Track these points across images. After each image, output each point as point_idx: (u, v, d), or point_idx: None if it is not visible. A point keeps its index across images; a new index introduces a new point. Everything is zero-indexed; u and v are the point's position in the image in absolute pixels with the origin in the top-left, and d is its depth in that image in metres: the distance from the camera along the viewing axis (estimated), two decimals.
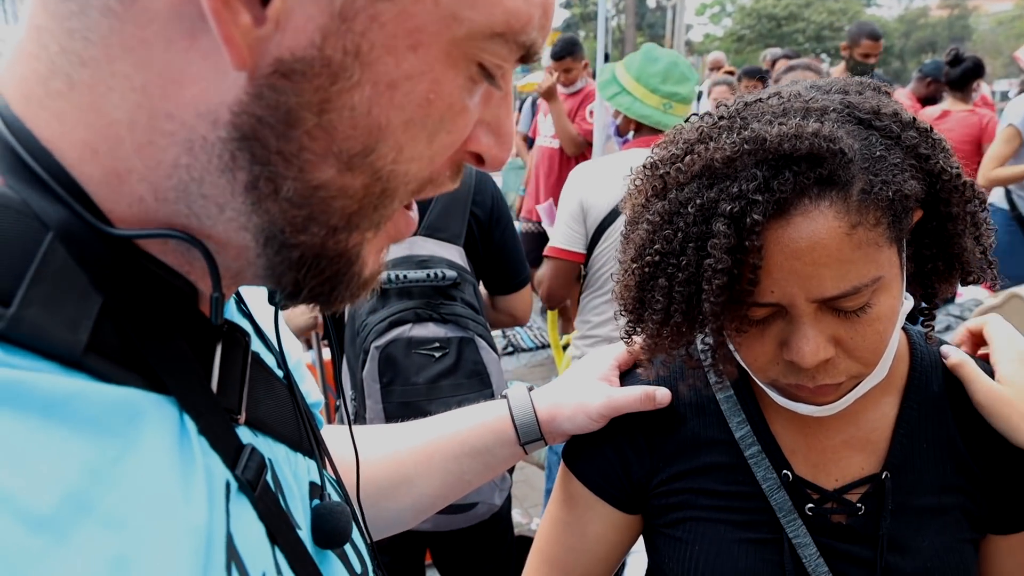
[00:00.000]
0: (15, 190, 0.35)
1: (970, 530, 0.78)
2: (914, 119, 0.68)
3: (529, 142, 5.10)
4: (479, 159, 0.44)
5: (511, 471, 1.75)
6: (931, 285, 0.75)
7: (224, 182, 0.36)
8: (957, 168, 0.69)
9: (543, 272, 2.11)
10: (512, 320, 1.84)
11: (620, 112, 2.13)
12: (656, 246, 0.68)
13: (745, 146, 0.63)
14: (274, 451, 0.47)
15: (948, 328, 2.19)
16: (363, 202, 0.38)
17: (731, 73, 5.56)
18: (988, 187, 3.90)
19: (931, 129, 0.69)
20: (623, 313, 0.76)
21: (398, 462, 0.81)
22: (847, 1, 31.26)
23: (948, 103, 4.30)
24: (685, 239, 0.66)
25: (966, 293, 2.52)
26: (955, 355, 0.79)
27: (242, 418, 0.43)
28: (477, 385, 1.50)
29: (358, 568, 0.54)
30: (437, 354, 1.48)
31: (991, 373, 0.76)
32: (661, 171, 0.69)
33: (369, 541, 0.59)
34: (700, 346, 0.80)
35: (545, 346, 4.73)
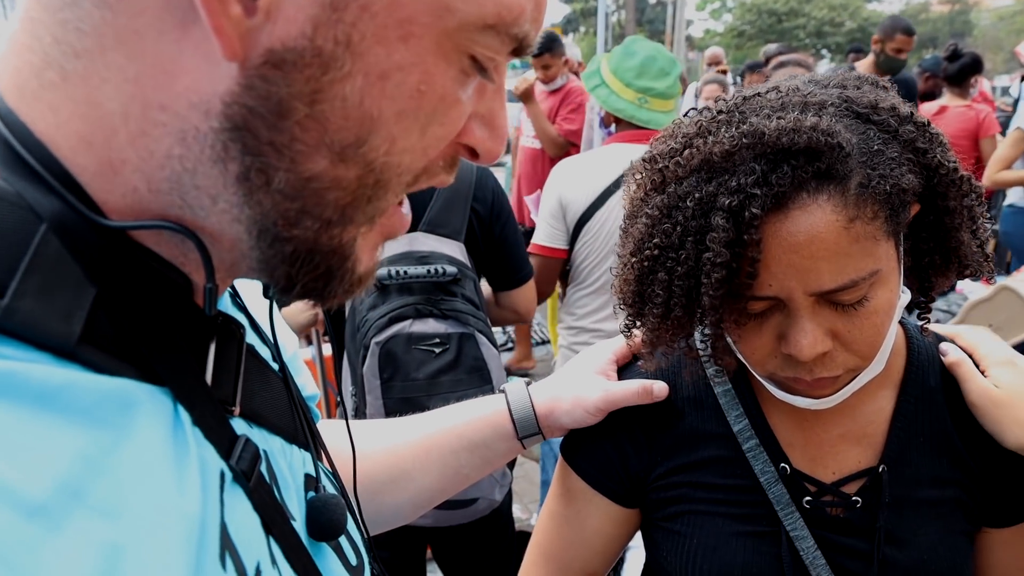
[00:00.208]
0: (9, 182, 0.35)
1: (965, 523, 0.78)
2: (912, 113, 0.69)
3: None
4: (473, 152, 0.44)
5: (511, 467, 1.75)
6: (928, 279, 0.75)
7: (216, 173, 0.36)
8: (954, 162, 0.69)
9: None
10: (516, 317, 1.84)
11: None
12: (655, 240, 0.68)
13: (743, 140, 0.64)
14: (269, 443, 0.47)
15: (937, 322, 2.20)
16: (357, 194, 0.38)
17: (724, 72, 5.54)
18: (992, 188, 3.91)
19: (928, 123, 0.69)
20: (622, 307, 0.76)
21: (396, 456, 0.81)
22: None
23: (946, 99, 4.30)
24: (684, 233, 0.66)
25: (964, 288, 2.52)
26: (953, 353, 0.79)
27: (237, 410, 0.43)
28: (477, 381, 1.50)
29: (353, 560, 0.54)
30: (437, 350, 1.48)
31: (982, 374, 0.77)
32: (660, 165, 0.69)
33: (365, 534, 0.59)
34: (699, 338, 0.80)
35: (545, 342, 4.74)
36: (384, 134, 0.37)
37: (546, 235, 2.05)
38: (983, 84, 5.75)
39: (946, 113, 4.13)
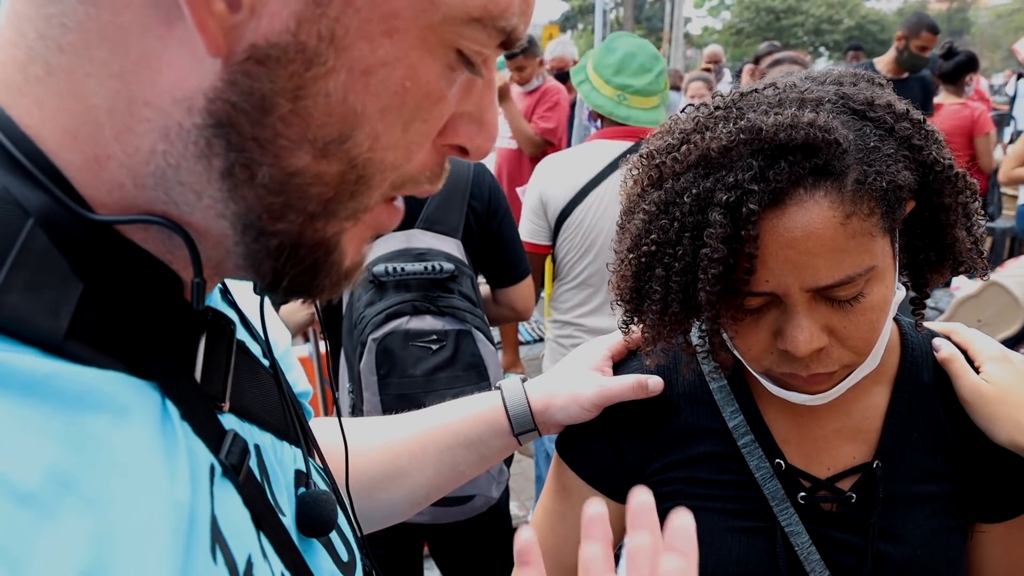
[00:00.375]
0: None
1: (958, 518, 0.78)
2: (908, 110, 0.69)
3: None
4: (463, 151, 0.43)
5: (508, 464, 1.75)
6: (923, 275, 0.75)
7: (200, 169, 0.36)
8: (950, 159, 0.69)
9: None
10: (513, 314, 1.84)
11: None
12: (652, 236, 0.68)
13: (741, 136, 0.64)
14: (260, 439, 0.47)
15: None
16: (339, 189, 0.38)
17: (708, 70, 5.54)
18: (1009, 184, 3.92)
19: (924, 120, 0.69)
20: (619, 303, 0.76)
21: (392, 453, 0.81)
22: None
23: (941, 96, 4.31)
24: (681, 229, 0.66)
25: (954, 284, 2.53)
26: (946, 349, 0.79)
27: (226, 405, 0.43)
28: (474, 377, 1.50)
29: (344, 556, 0.53)
30: (434, 346, 1.48)
31: (976, 370, 0.77)
32: (657, 161, 0.69)
33: (358, 530, 0.59)
34: (696, 334, 0.80)
35: (542, 339, 4.75)
36: (368, 130, 0.37)
37: (528, 231, 2.08)
38: (980, 82, 5.76)
39: (940, 111, 4.14)
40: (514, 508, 2.84)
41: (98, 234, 0.36)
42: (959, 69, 4.22)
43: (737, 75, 4.87)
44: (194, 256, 0.38)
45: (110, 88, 0.35)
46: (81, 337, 0.34)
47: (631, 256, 0.71)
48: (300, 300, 0.42)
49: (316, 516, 0.49)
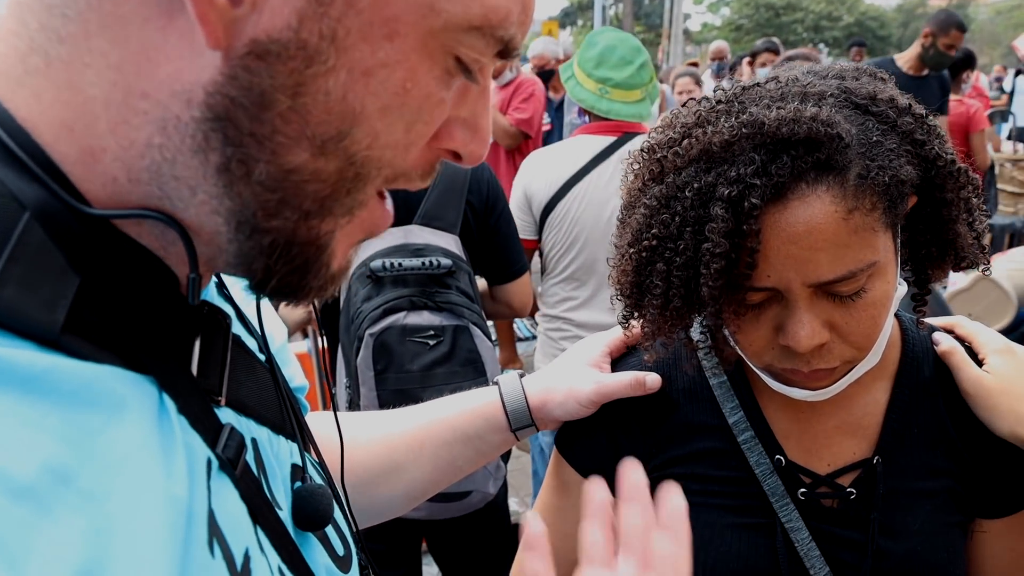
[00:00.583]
0: None
1: (959, 514, 0.78)
2: (910, 105, 0.68)
3: None
4: (456, 156, 0.44)
5: (506, 460, 1.75)
6: (924, 270, 0.75)
7: (196, 163, 0.36)
8: (951, 154, 0.69)
9: None
10: (511, 311, 1.84)
11: None
12: (654, 230, 0.68)
13: (743, 130, 0.63)
14: (256, 433, 0.47)
15: None
16: (336, 186, 0.38)
17: (695, 64, 5.55)
18: None
19: (926, 115, 0.69)
20: (620, 298, 0.75)
21: (389, 448, 0.81)
22: None
23: None
24: (683, 223, 0.65)
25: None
26: (946, 342, 0.79)
27: (223, 399, 0.43)
28: (471, 373, 1.50)
29: (340, 551, 0.54)
30: (432, 342, 1.48)
31: (979, 363, 0.77)
32: (658, 155, 0.69)
33: (353, 525, 0.59)
34: (698, 330, 0.80)
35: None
36: (367, 129, 0.37)
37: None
38: (979, 79, 5.76)
39: None
40: (513, 504, 2.84)
41: (94, 228, 0.36)
42: (956, 67, 4.22)
43: (731, 69, 4.86)
44: (189, 250, 0.38)
45: (108, 79, 0.35)
46: (78, 331, 0.34)
47: (632, 251, 0.70)
48: (285, 303, 0.42)
49: (312, 510, 0.49)
